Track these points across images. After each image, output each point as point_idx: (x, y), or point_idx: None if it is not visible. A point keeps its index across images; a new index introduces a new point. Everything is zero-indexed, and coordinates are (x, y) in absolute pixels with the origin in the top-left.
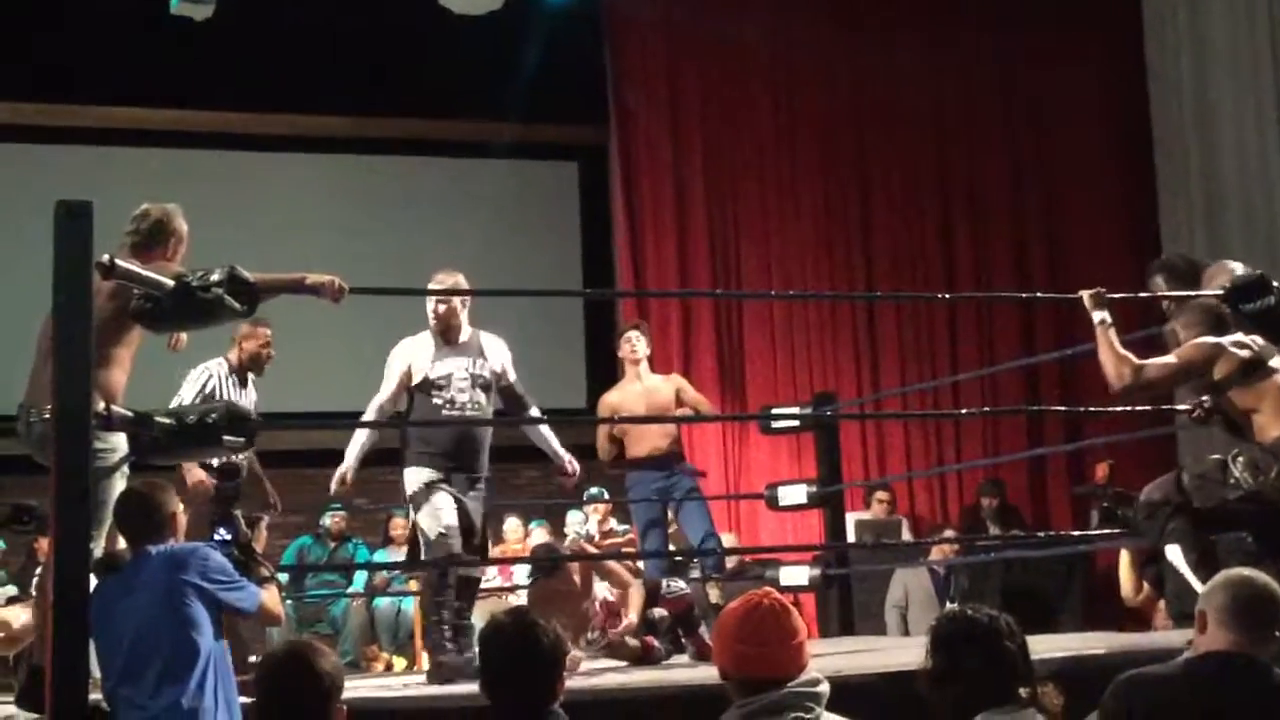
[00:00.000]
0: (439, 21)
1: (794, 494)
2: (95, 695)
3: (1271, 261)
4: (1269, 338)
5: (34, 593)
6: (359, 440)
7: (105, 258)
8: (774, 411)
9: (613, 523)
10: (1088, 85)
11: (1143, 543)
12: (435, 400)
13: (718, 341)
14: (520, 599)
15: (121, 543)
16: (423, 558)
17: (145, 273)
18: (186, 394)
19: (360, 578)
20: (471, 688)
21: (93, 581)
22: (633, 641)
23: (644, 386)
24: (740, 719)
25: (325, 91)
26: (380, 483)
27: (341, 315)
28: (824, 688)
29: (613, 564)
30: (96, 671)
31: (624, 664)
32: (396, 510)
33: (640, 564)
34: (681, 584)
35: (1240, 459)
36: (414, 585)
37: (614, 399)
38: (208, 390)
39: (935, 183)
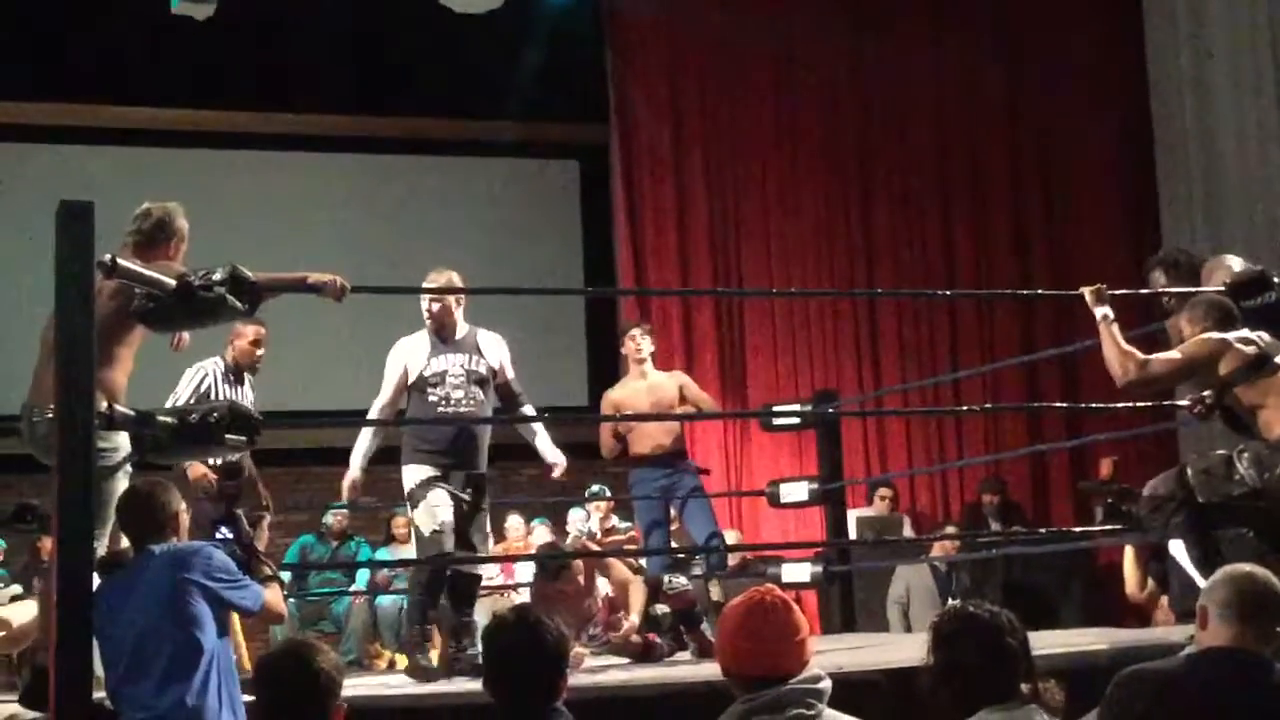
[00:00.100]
0: (440, 20)
1: (796, 491)
2: (99, 694)
3: (1273, 257)
4: (1273, 333)
5: (36, 592)
6: (363, 445)
7: (107, 257)
8: (775, 409)
9: (614, 520)
10: (1088, 81)
11: (1146, 538)
12: (430, 398)
13: (719, 339)
14: (522, 597)
15: (124, 542)
16: (414, 555)
17: (147, 272)
18: (182, 393)
19: (363, 576)
20: (475, 685)
21: (96, 581)
22: (635, 638)
23: (648, 384)
24: (742, 715)
25: (326, 90)
26: (383, 481)
27: (343, 314)
28: (826, 684)
29: (613, 561)
30: (100, 670)
31: (626, 661)
32: (399, 508)
33: (642, 561)
34: (683, 580)
35: (1246, 455)
36: None
37: (617, 396)
38: (203, 389)
39: (936, 180)
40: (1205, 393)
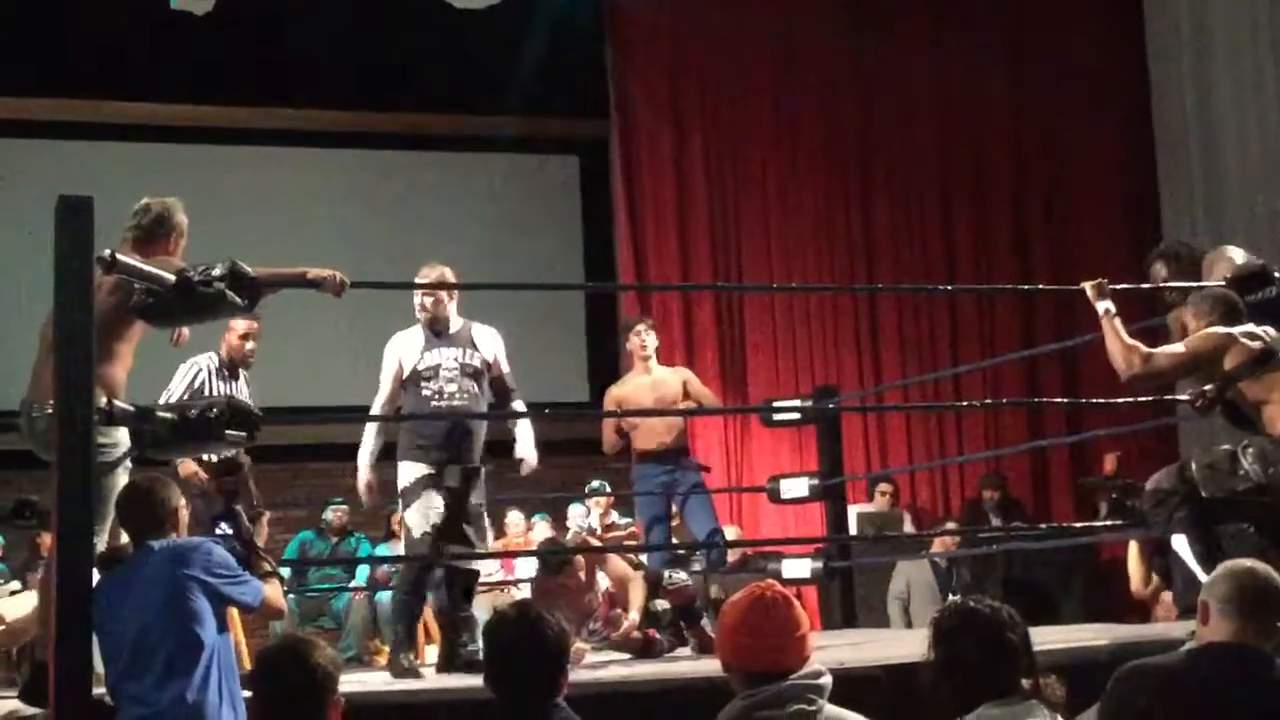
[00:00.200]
0: (440, 15)
1: (796, 487)
2: (99, 690)
3: (1274, 252)
4: (1277, 328)
5: (35, 583)
6: (369, 445)
7: (106, 252)
8: (776, 404)
9: (614, 516)
10: (1089, 76)
11: (1148, 533)
12: (424, 392)
13: (719, 335)
14: (523, 592)
15: (124, 537)
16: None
17: (146, 267)
18: (176, 388)
19: (362, 572)
20: (474, 680)
21: (95, 576)
22: (635, 634)
23: (652, 379)
24: (743, 711)
25: (326, 85)
26: (384, 477)
27: (343, 309)
28: (826, 680)
29: (612, 556)
30: (100, 666)
31: (627, 656)
32: (395, 505)
33: (642, 556)
34: (683, 575)
35: (1250, 450)
36: None
37: (621, 391)
38: (196, 385)
39: (937, 175)
40: (1206, 387)
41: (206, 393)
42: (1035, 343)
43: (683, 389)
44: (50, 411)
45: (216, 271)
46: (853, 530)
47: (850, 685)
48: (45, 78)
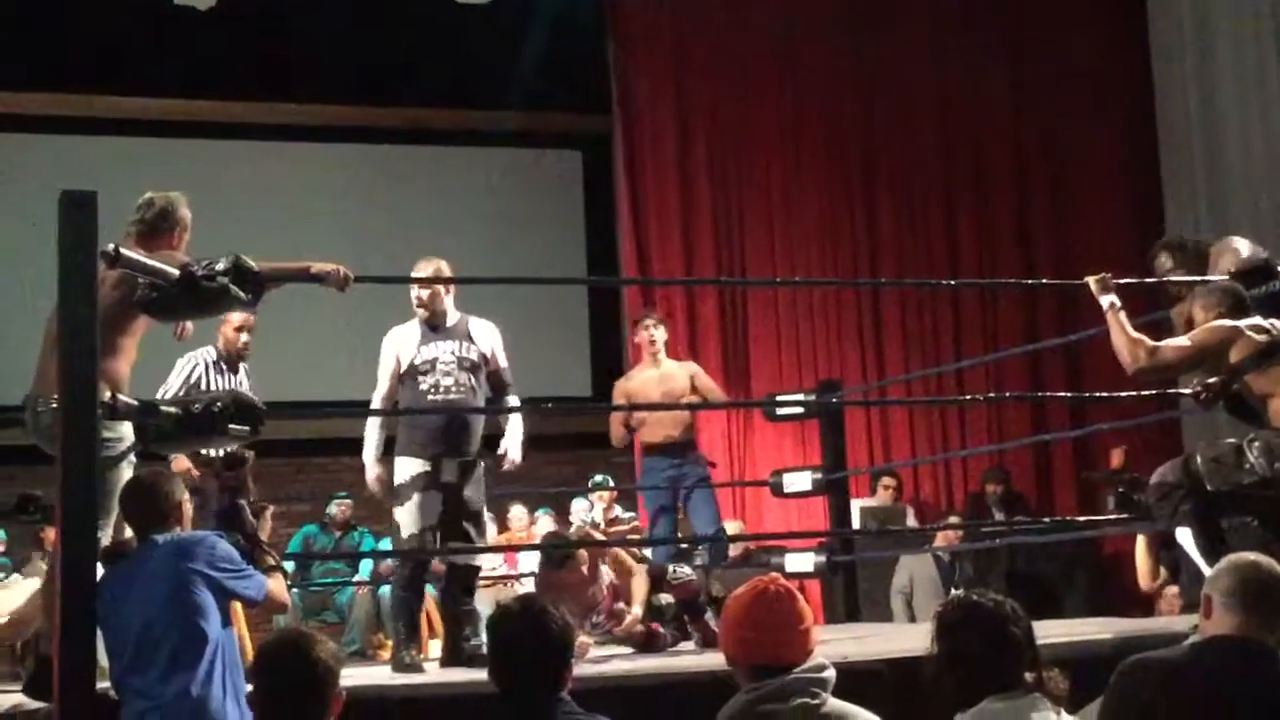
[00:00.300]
0: (442, 10)
1: (799, 481)
2: (103, 684)
3: (1278, 249)
4: None
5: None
6: (373, 439)
7: (110, 247)
8: (779, 398)
9: (618, 510)
10: (1092, 72)
11: (1151, 527)
12: (421, 385)
13: (722, 329)
14: (526, 587)
15: (128, 532)
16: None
17: (150, 262)
18: (173, 383)
19: (366, 566)
20: (477, 675)
21: (100, 571)
22: (638, 628)
23: (660, 373)
24: (747, 705)
25: (329, 80)
26: (392, 470)
27: (345, 303)
28: (830, 673)
29: (615, 550)
30: (104, 660)
31: (630, 651)
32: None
33: (646, 551)
34: (687, 570)
35: (1256, 444)
36: None
37: (628, 385)
38: (193, 379)
39: (940, 170)
40: (1210, 380)
41: (203, 387)
42: (1038, 337)
43: (690, 383)
44: (55, 406)
45: (220, 266)
46: (856, 524)
47: (853, 679)
48: (47, 73)
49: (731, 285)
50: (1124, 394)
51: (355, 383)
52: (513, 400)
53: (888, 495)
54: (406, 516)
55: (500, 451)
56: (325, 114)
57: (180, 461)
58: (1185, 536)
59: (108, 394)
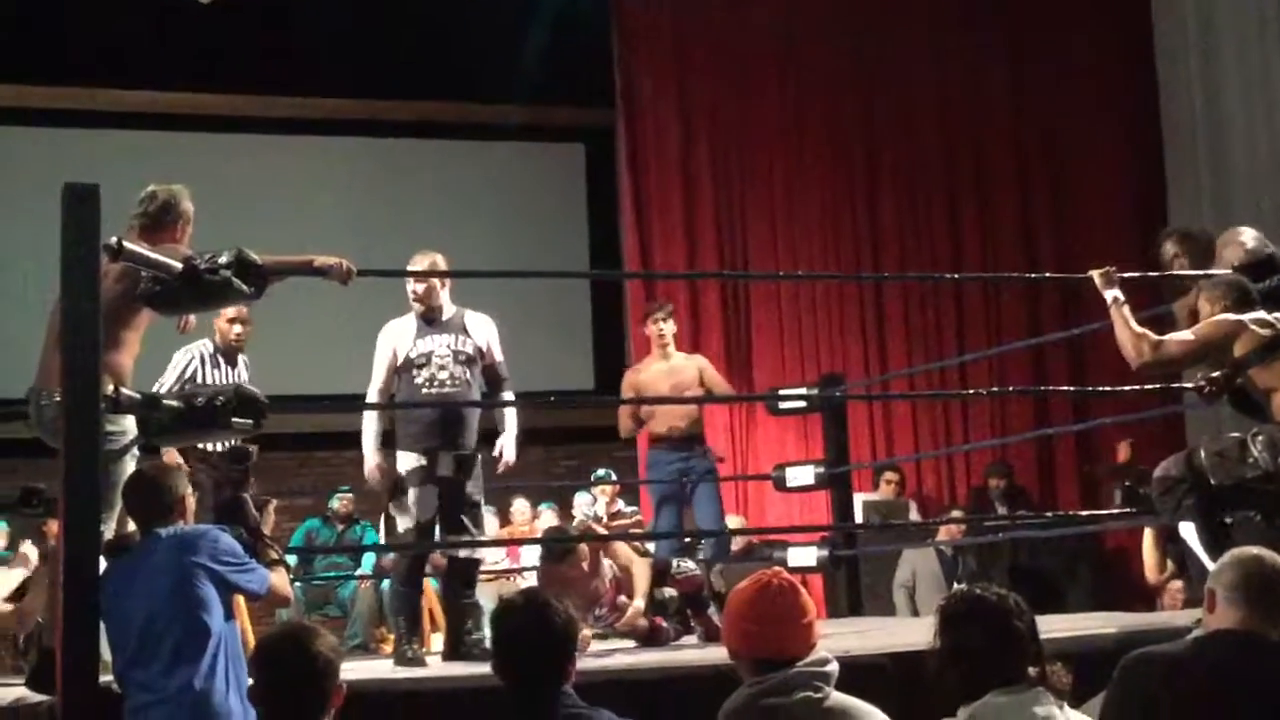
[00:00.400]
0: (446, 3)
1: (802, 475)
2: (106, 677)
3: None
4: None
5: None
6: (371, 429)
7: (113, 240)
8: (782, 392)
9: (620, 504)
10: (1094, 72)
11: (1155, 521)
12: (417, 380)
13: (725, 323)
14: (527, 581)
15: (131, 525)
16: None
17: (153, 255)
18: (168, 377)
19: (368, 560)
20: (479, 668)
21: (102, 564)
22: (641, 621)
23: (669, 366)
24: (750, 698)
25: (332, 74)
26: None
27: (348, 297)
28: (833, 667)
29: (617, 544)
30: (107, 654)
31: (632, 644)
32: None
33: (649, 544)
34: (691, 564)
35: (1260, 438)
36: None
37: (637, 378)
38: (188, 374)
39: (943, 164)
40: (1214, 374)
41: (199, 381)
42: (1041, 331)
43: (698, 376)
44: (58, 399)
45: (223, 259)
46: (858, 518)
47: (856, 673)
48: (49, 66)
49: (734, 279)
50: (1127, 388)
51: (358, 377)
52: (508, 396)
53: (890, 489)
54: (400, 512)
55: (495, 454)
56: (328, 107)
57: (171, 454)
58: (1188, 531)
59: (111, 387)
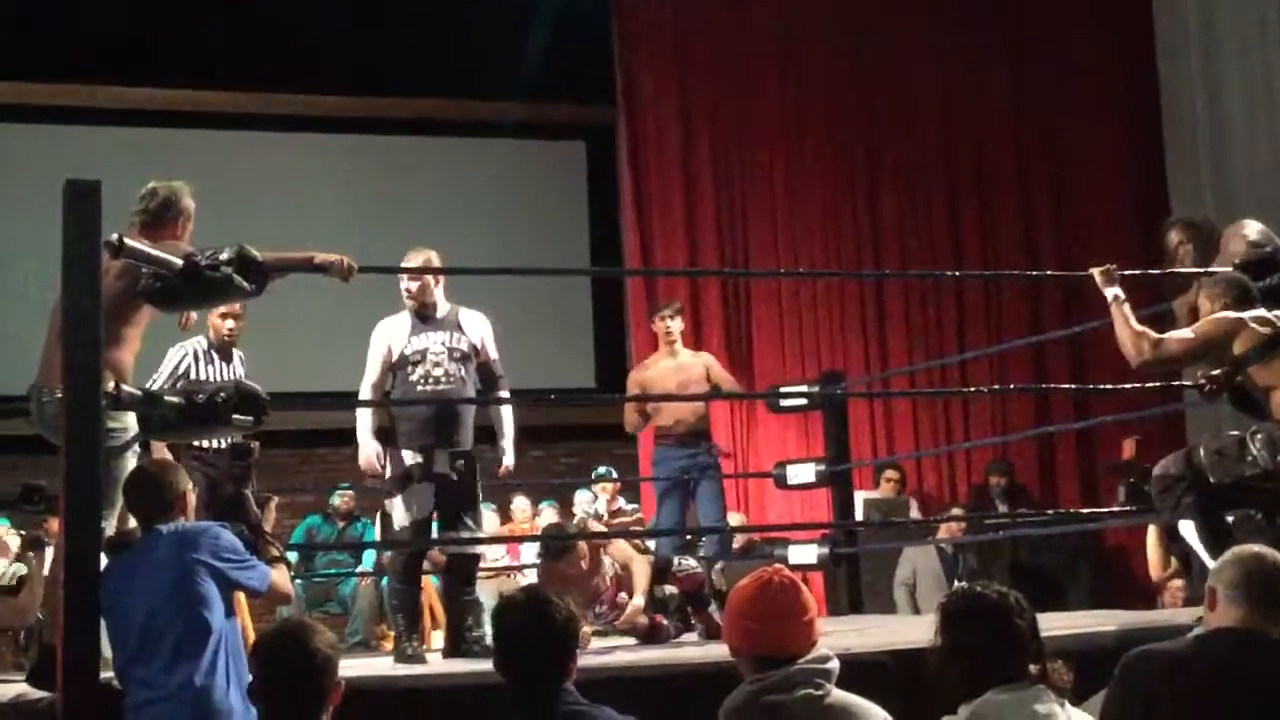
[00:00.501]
0: (446, 1)
1: (802, 473)
2: (106, 674)
3: None
4: None
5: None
6: (364, 425)
7: (114, 237)
8: (782, 390)
9: (621, 502)
10: (1094, 71)
11: (1156, 519)
12: (412, 377)
13: (725, 320)
14: (528, 578)
15: (132, 522)
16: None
17: (154, 252)
18: (163, 373)
19: (369, 557)
20: (479, 665)
21: (103, 561)
22: (641, 619)
23: (676, 363)
24: (751, 696)
25: (332, 71)
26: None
27: (348, 294)
28: (834, 664)
29: (617, 543)
30: (108, 651)
31: (633, 642)
32: None
33: (649, 541)
34: (692, 562)
35: (1259, 436)
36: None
37: (643, 374)
38: (181, 370)
39: (943, 161)
40: (1214, 372)
41: (193, 377)
42: (1042, 329)
43: (705, 373)
44: (59, 396)
45: (224, 256)
46: (859, 516)
47: (857, 670)
48: (49, 63)
49: (735, 277)
50: (1128, 386)
51: (358, 374)
52: (504, 393)
53: (891, 487)
54: (397, 509)
55: (497, 463)
56: (328, 105)
57: (160, 449)
58: (1188, 529)
59: (112, 384)
